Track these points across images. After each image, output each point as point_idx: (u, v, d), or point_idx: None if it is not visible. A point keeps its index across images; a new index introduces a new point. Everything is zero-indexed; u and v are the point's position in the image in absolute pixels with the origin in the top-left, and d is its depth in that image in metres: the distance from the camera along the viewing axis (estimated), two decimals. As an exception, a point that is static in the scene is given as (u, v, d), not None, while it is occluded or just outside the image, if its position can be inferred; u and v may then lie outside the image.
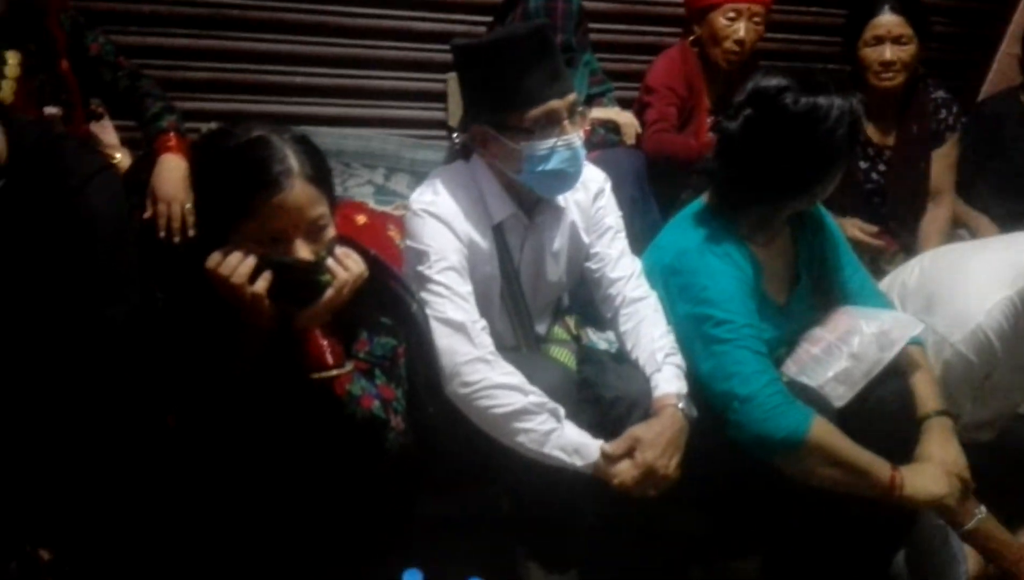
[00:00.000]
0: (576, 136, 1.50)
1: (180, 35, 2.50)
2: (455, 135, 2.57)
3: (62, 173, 1.28)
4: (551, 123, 1.48)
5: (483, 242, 1.57)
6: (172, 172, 1.88)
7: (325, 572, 1.46)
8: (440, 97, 2.84)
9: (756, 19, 2.39)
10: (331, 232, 1.29)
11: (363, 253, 1.35)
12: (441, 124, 2.88)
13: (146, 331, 1.31)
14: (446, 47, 2.71)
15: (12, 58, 1.74)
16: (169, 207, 1.83)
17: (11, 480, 1.20)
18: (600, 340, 2.00)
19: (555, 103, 1.47)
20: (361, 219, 2.25)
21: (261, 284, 1.20)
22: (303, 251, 1.24)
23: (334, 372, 1.30)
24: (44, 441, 1.21)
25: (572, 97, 1.50)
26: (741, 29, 2.36)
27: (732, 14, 2.36)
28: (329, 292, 1.25)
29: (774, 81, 1.52)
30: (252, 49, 2.59)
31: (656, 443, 1.46)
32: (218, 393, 1.28)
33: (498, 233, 1.60)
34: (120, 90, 2.02)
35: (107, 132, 2.22)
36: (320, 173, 1.26)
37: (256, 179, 1.20)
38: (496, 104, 1.49)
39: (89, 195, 1.29)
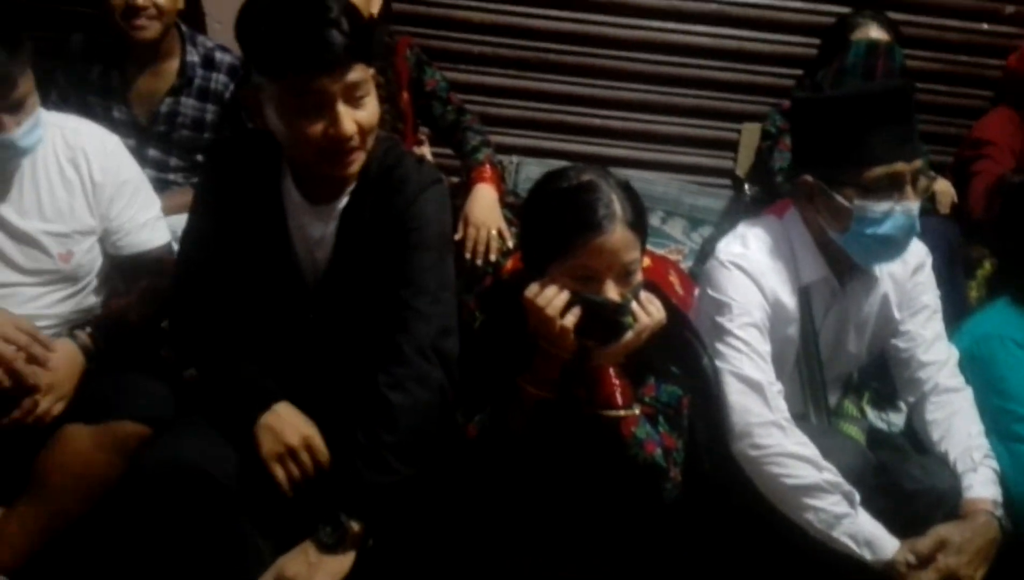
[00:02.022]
0: (916, 204, 1.42)
1: (498, 74, 2.72)
2: (746, 186, 2.57)
3: (401, 184, 1.41)
4: (892, 186, 1.41)
5: (789, 302, 1.53)
6: (485, 200, 2.05)
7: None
8: (731, 146, 2.82)
9: None
10: (639, 277, 1.33)
11: (664, 300, 1.38)
12: (728, 173, 2.85)
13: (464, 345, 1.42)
14: (744, 97, 2.75)
15: None
16: (479, 232, 1.99)
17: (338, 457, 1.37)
18: (879, 420, 1.86)
19: (901, 165, 1.40)
20: (645, 262, 2.29)
21: (570, 318, 1.27)
22: (612, 292, 1.29)
23: (622, 413, 1.33)
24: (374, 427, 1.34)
25: (919, 163, 1.42)
26: None
27: None
28: (629, 334, 1.29)
29: None
30: (559, 91, 2.75)
31: (964, 549, 1.33)
32: (512, 412, 1.36)
33: (803, 295, 1.55)
34: (447, 123, 2.23)
35: (424, 156, 2.46)
36: (639, 220, 1.31)
37: (582, 220, 1.27)
38: (835, 158, 1.45)
39: (422, 204, 1.41)
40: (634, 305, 1.30)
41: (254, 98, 1.31)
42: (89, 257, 1.61)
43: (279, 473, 1.34)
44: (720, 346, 1.47)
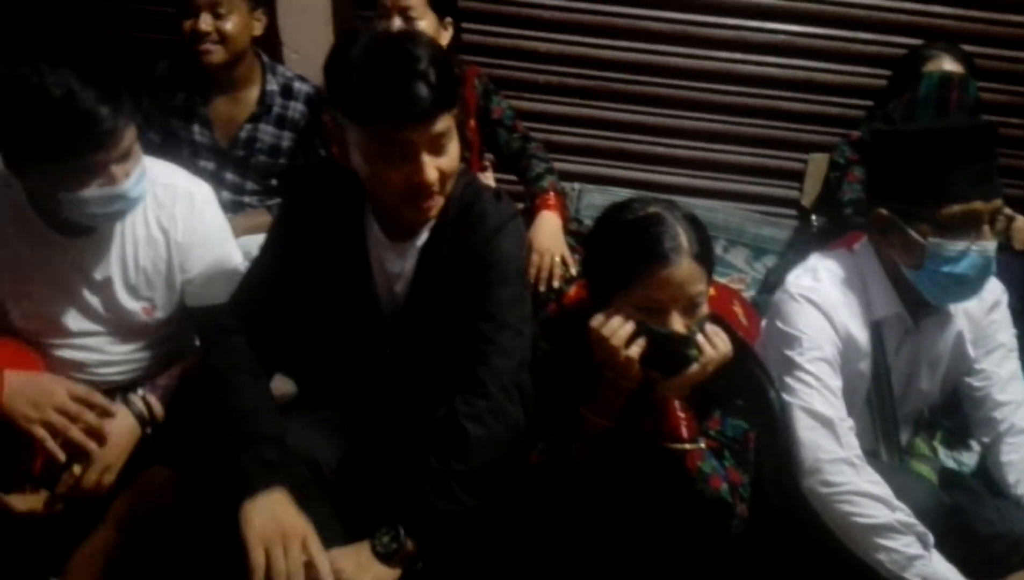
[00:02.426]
0: (993, 244, 1.39)
1: (563, 103, 2.75)
2: (814, 217, 2.53)
3: (479, 220, 1.42)
4: (969, 224, 1.39)
5: (860, 337, 1.51)
6: (549, 227, 2.07)
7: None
8: (796, 176, 2.78)
9: None
10: (705, 309, 1.33)
11: (730, 333, 1.37)
12: (793, 203, 2.81)
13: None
14: (811, 127, 2.73)
15: None
16: (542, 258, 2.01)
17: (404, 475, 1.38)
18: (950, 459, 1.81)
19: (979, 204, 1.38)
20: (709, 292, 2.27)
21: (635, 349, 1.28)
22: (677, 324, 1.29)
23: (687, 446, 1.32)
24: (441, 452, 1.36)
25: (997, 203, 1.39)
26: None
27: None
28: (694, 367, 1.29)
29: None
30: (623, 119, 2.77)
31: (1044, 597, 1.28)
32: (576, 442, 1.37)
33: (875, 330, 1.52)
34: (512, 150, 2.27)
35: (488, 180, 2.50)
36: (705, 252, 1.31)
37: (648, 252, 1.28)
38: (911, 193, 1.43)
39: (501, 240, 1.42)
40: (699, 338, 1.30)
41: (339, 136, 1.32)
42: (171, 309, 1.61)
43: (258, 557, 1.22)
44: (789, 380, 1.46)
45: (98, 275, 1.53)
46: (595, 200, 2.75)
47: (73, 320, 1.55)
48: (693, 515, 1.34)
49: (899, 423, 1.60)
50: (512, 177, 2.33)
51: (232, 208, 2.23)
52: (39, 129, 1.27)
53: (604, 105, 2.75)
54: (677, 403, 1.33)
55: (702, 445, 1.33)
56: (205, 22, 2.05)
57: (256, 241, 1.69)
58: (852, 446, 1.40)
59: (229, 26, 2.08)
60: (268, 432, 1.36)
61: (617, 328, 1.29)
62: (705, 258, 1.31)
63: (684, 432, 1.32)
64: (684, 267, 1.27)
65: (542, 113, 2.74)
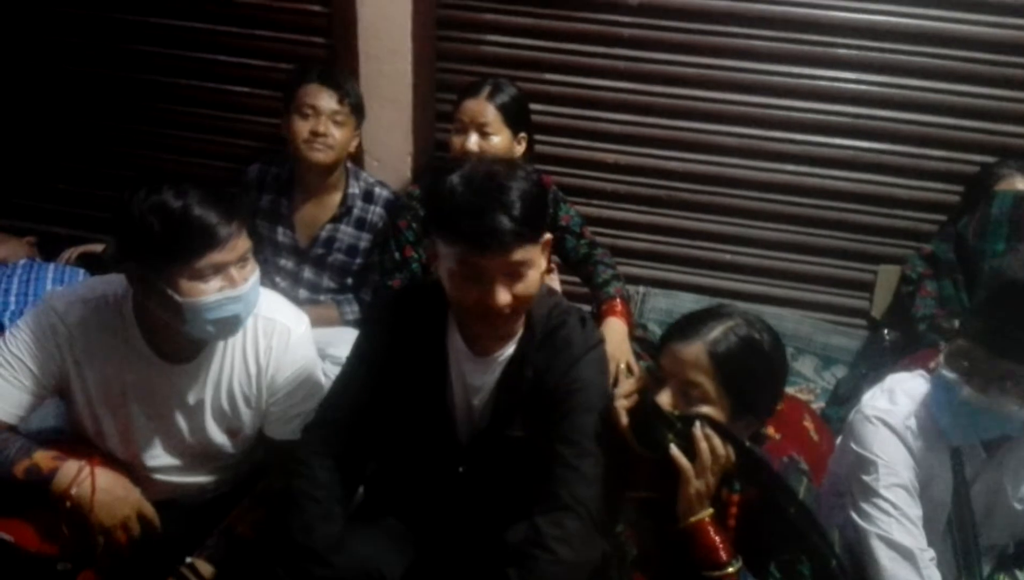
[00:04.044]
0: None
1: (630, 210, 2.80)
2: (886, 331, 2.49)
3: (565, 345, 1.45)
4: None
5: (938, 464, 1.47)
6: (615, 334, 2.08)
7: None
8: (866, 286, 2.75)
9: None
10: (704, 408, 1.33)
11: (757, 464, 1.35)
12: (862, 313, 2.78)
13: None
14: (881, 240, 2.70)
15: None
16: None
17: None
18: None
19: None
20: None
21: (623, 402, 1.37)
22: (664, 397, 1.34)
23: (717, 573, 1.31)
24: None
25: None
26: None
27: None
28: (692, 487, 1.30)
29: None
30: (689, 227, 2.78)
31: None
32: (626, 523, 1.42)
33: (955, 456, 1.48)
34: (579, 256, 2.31)
35: (554, 283, 2.54)
36: (730, 367, 1.33)
37: (679, 325, 1.39)
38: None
39: (584, 367, 1.43)
40: (673, 448, 1.30)
41: (433, 245, 1.39)
42: (250, 436, 1.69)
43: None
44: (866, 506, 1.43)
45: (191, 400, 1.60)
46: (659, 304, 2.76)
47: (161, 437, 1.63)
48: None
49: (981, 554, 1.53)
50: (577, 279, 2.37)
51: (309, 306, 2.30)
52: (162, 236, 1.37)
53: (672, 213, 2.78)
54: (710, 528, 1.32)
55: (731, 570, 1.31)
56: (324, 125, 2.20)
57: (321, 333, 1.77)
58: (934, 579, 1.35)
59: (339, 136, 2.23)
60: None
61: (628, 383, 1.38)
62: (727, 373, 1.32)
63: (722, 555, 1.31)
64: (694, 350, 1.32)
65: (610, 219, 2.79)
